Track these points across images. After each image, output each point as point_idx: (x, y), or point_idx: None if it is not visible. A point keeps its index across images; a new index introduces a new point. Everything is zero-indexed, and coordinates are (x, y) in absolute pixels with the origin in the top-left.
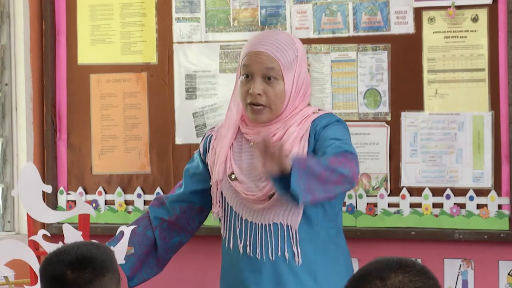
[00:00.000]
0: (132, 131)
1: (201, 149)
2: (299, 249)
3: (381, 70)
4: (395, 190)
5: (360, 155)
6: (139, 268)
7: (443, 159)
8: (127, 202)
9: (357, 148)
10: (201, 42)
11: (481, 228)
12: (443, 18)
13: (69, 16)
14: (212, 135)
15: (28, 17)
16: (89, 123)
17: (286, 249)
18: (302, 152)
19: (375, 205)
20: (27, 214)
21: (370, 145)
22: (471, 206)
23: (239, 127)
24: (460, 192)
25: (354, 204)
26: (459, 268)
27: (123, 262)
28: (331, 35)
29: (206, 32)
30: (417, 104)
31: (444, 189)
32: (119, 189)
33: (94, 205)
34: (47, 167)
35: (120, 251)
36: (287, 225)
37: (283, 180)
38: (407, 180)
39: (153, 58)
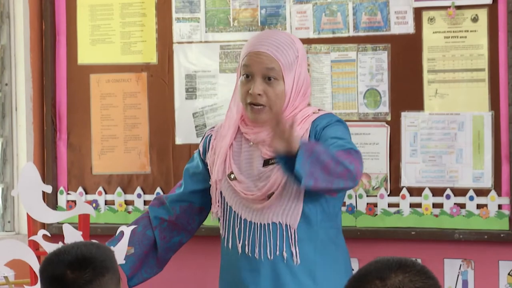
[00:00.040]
0: (132, 131)
1: (201, 149)
2: (297, 249)
3: (381, 70)
4: (395, 190)
5: None
6: (139, 267)
7: (443, 159)
8: (127, 202)
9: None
10: (201, 42)
11: (481, 228)
12: (443, 18)
13: (69, 16)
14: (212, 135)
15: (28, 17)
16: (89, 123)
17: (284, 249)
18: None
19: (375, 205)
20: (27, 214)
21: (370, 145)
22: (471, 206)
23: (239, 127)
24: (460, 192)
25: (354, 204)
26: (459, 268)
27: (123, 262)
28: (331, 35)
29: (206, 32)
30: (417, 104)
31: (444, 189)
32: (119, 189)
33: (94, 205)
34: (47, 167)
35: (120, 251)
36: (286, 225)
37: (289, 160)
38: (407, 180)
39: (153, 58)
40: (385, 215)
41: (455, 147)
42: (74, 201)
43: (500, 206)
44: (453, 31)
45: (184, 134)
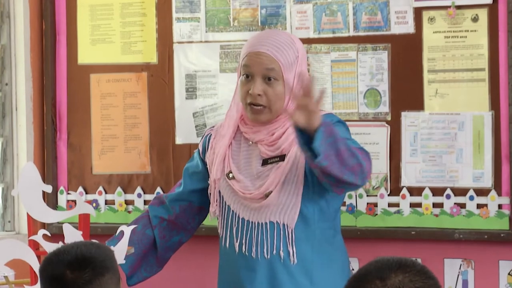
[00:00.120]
0: (132, 131)
1: (201, 148)
2: (294, 249)
3: (381, 70)
4: (395, 190)
5: None
6: (138, 266)
7: (443, 159)
8: (127, 202)
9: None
10: (201, 42)
11: (481, 228)
12: (443, 18)
13: (69, 16)
14: (211, 134)
15: (28, 17)
16: (89, 123)
17: (281, 248)
18: (300, 152)
19: (375, 205)
20: (27, 214)
21: (370, 145)
22: (471, 206)
23: (238, 127)
24: (460, 192)
25: (354, 204)
26: (459, 268)
27: (123, 262)
28: (331, 35)
29: (206, 32)
30: (417, 104)
31: (444, 189)
32: (119, 189)
33: (94, 205)
34: (47, 167)
35: (120, 251)
36: (284, 224)
37: (304, 135)
38: (407, 180)
39: (153, 58)
40: (385, 215)
41: (455, 147)
42: (74, 201)
43: (500, 206)
44: (453, 31)
45: (184, 134)
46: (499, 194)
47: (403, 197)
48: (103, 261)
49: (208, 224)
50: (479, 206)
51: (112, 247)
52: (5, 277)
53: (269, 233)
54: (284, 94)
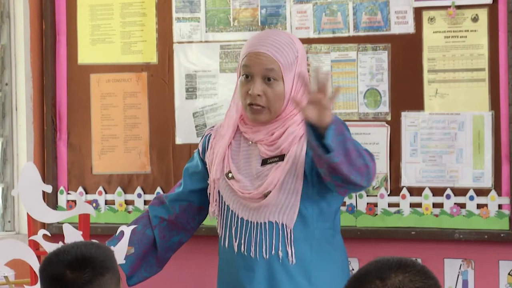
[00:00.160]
0: (132, 131)
1: (200, 148)
2: (293, 249)
3: (381, 70)
4: (395, 190)
5: None
6: (138, 266)
7: (443, 159)
8: (127, 202)
9: None
10: (201, 42)
11: (481, 228)
12: (443, 18)
13: (69, 16)
14: (211, 134)
15: (28, 17)
16: (89, 123)
17: (280, 248)
18: (300, 152)
19: (375, 205)
20: (27, 214)
21: (370, 145)
22: (471, 206)
23: (238, 126)
24: (460, 192)
25: (354, 204)
26: (459, 268)
27: (123, 262)
28: (331, 35)
29: (206, 32)
30: (417, 104)
31: (444, 189)
32: (119, 189)
33: (94, 205)
34: (47, 167)
35: (120, 251)
36: (282, 224)
37: (313, 131)
38: (407, 180)
39: (153, 58)
40: (385, 215)
41: (455, 147)
42: (74, 201)
43: (500, 206)
44: (453, 31)
45: (184, 134)
46: (499, 194)
47: (403, 197)
48: (103, 261)
49: (208, 224)
50: (479, 206)
51: (112, 247)
52: (5, 277)
53: (268, 233)
54: (284, 94)
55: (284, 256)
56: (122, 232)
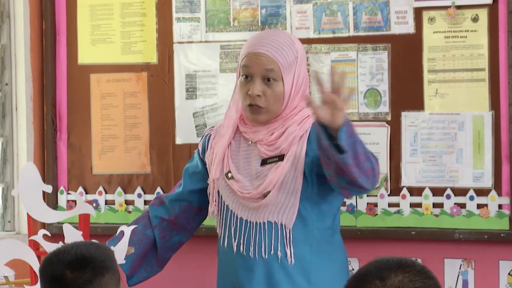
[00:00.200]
0: (132, 131)
1: (200, 148)
2: (292, 249)
3: (381, 70)
4: (395, 190)
5: None
6: (139, 266)
7: (443, 159)
8: (127, 202)
9: None
10: (201, 42)
11: (481, 228)
12: (443, 18)
13: (69, 16)
14: (211, 134)
15: (28, 17)
16: (89, 123)
17: (279, 248)
18: (300, 152)
19: (375, 205)
20: (27, 214)
21: (370, 145)
22: (471, 206)
23: (238, 126)
24: (460, 192)
25: (354, 204)
26: (459, 268)
27: (123, 262)
28: (331, 35)
29: (206, 32)
30: (417, 104)
31: (444, 189)
32: (119, 189)
33: (94, 205)
34: (47, 167)
35: (120, 251)
36: (281, 224)
37: (324, 131)
38: (407, 180)
39: (153, 58)
40: (385, 215)
41: (455, 147)
42: (74, 201)
43: (500, 206)
44: (453, 31)
45: (184, 134)
46: (499, 194)
47: (403, 197)
48: (103, 261)
49: (208, 224)
50: (479, 206)
51: (112, 247)
52: (5, 277)
53: (267, 233)
54: (283, 94)
55: (283, 256)
56: (122, 232)
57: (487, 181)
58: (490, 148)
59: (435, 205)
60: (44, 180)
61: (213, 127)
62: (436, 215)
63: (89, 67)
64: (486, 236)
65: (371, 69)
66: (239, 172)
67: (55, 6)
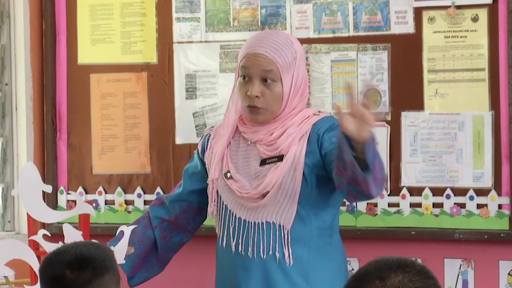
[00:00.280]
0: (132, 131)
1: (200, 148)
2: (290, 250)
3: (381, 70)
4: (395, 190)
5: None
6: (139, 267)
7: (443, 159)
8: (127, 202)
9: None
10: (201, 42)
11: (481, 228)
12: (443, 18)
13: (69, 16)
14: (210, 134)
15: (28, 17)
16: (89, 123)
17: (277, 249)
18: (300, 153)
19: (375, 205)
20: (27, 214)
21: None
22: (471, 206)
23: (237, 126)
24: (460, 192)
25: (354, 204)
26: (459, 268)
27: (123, 262)
28: (331, 35)
29: (206, 32)
30: (417, 104)
31: (444, 189)
32: (119, 189)
33: (94, 205)
34: (47, 167)
35: (120, 251)
36: (280, 225)
37: (346, 142)
38: (407, 180)
39: (153, 58)
40: (385, 215)
41: (455, 147)
42: (74, 201)
43: (500, 206)
44: (453, 31)
45: (184, 134)
46: (499, 194)
47: (403, 197)
48: (103, 261)
49: (208, 224)
50: (479, 206)
51: (112, 247)
52: (5, 277)
53: (265, 233)
54: (282, 95)
55: (281, 257)
56: (122, 232)
57: (487, 181)
58: (490, 148)
59: (435, 205)
60: (44, 180)
61: (212, 127)
62: (436, 215)
63: (89, 67)
64: (486, 236)
65: (371, 69)
66: (238, 172)
67: (55, 6)
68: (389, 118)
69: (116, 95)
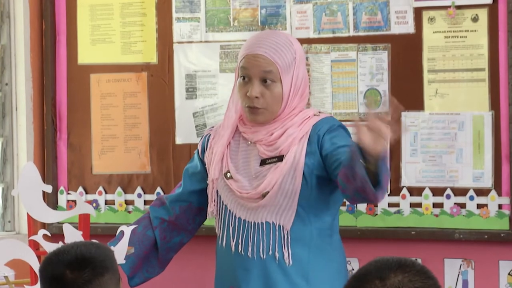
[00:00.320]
0: (132, 131)
1: (200, 148)
2: (289, 250)
3: (381, 70)
4: (395, 190)
5: None
6: (140, 267)
7: (443, 159)
8: (127, 202)
9: None
10: (201, 42)
11: (481, 228)
12: (443, 18)
13: (69, 16)
14: (210, 134)
15: (28, 17)
16: (89, 123)
17: (276, 249)
18: (300, 153)
19: (375, 205)
20: (27, 214)
21: None
22: (471, 206)
23: (237, 126)
24: (460, 192)
25: (354, 204)
26: (459, 268)
27: (123, 262)
28: (331, 35)
29: (206, 32)
30: (417, 104)
31: (444, 189)
32: (119, 189)
33: (94, 205)
34: (47, 167)
35: (120, 251)
36: (279, 225)
37: (359, 155)
38: (407, 180)
39: (153, 58)
40: (385, 215)
41: (455, 147)
42: (74, 201)
43: (500, 206)
44: (453, 31)
45: (184, 134)
46: (499, 194)
47: (403, 197)
48: (103, 261)
49: (208, 224)
50: (479, 206)
51: (112, 247)
52: (5, 277)
53: (265, 233)
54: (282, 95)
55: (280, 257)
56: (122, 233)
57: (487, 181)
58: (490, 148)
59: (435, 205)
60: (44, 180)
61: (212, 127)
62: (436, 215)
63: (89, 67)
64: (486, 236)
65: (371, 69)
66: (238, 172)
67: (55, 6)
68: (389, 118)
69: (116, 95)
